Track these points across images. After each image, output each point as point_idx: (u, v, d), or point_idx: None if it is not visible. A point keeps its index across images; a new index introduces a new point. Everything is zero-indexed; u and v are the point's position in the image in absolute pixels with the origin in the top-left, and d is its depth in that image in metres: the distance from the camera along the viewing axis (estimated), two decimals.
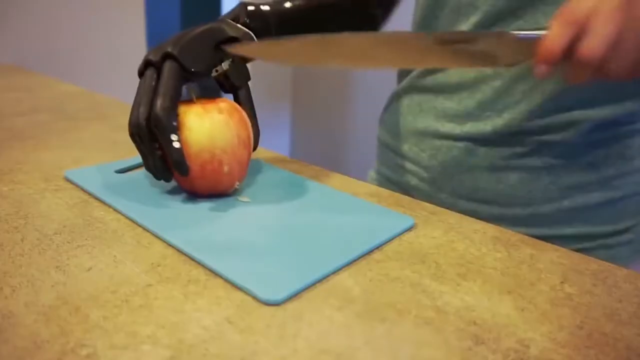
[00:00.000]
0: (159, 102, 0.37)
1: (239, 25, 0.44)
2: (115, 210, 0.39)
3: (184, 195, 0.41)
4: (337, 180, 0.50)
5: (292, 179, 0.48)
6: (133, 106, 0.39)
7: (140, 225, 0.37)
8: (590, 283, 0.32)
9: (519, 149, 0.49)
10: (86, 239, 0.34)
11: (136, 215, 0.37)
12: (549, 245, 0.38)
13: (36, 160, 0.50)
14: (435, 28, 0.53)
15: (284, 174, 0.49)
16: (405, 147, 0.57)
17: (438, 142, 0.53)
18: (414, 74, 0.57)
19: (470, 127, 0.50)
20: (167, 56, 0.39)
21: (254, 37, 0.44)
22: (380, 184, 0.64)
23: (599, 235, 0.51)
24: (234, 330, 0.25)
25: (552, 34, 0.34)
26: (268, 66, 2.09)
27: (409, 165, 0.58)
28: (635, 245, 0.53)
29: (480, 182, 0.51)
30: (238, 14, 0.46)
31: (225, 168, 0.39)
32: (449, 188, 0.53)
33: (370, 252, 0.35)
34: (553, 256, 0.36)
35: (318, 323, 0.27)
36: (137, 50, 1.50)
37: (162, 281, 0.30)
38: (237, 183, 0.41)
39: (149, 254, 0.33)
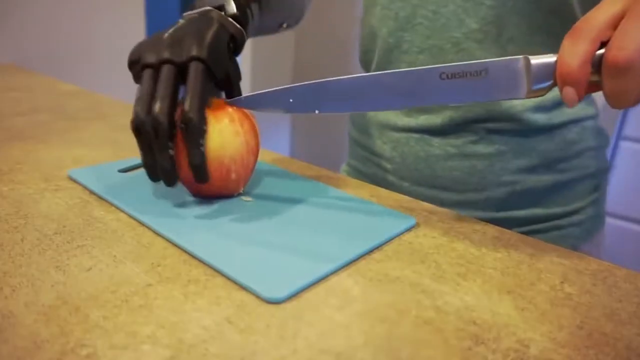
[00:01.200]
0: (193, 103, 0.36)
1: (230, 20, 0.43)
2: (118, 209, 0.39)
3: (187, 194, 0.42)
4: (338, 180, 0.50)
5: (293, 179, 0.48)
6: (142, 98, 0.37)
7: (143, 224, 0.37)
8: (590, 283, 0.32)
9: (470, 138, 0.52)
10: (86, 239, 0.34)
11: (139, 214, 0.37)
12: (549, 245, 0.38)
13: (36, 160, 0.50)
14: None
15: (284, 174, 0.49)
16: (371, 142, 0.61)
17: (397, 135, 0.56)
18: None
19: (423, 120, 0.54)
20: (193, 59, 0.38)
21: (244, 33, 0.44)
22: (351, 176, 0.68)
23: (551, 217, 0.54)
24: (234, 330, 0.25)
25: (564, 51, 0.30)
26: (268, 66, 2.09)
27: (374, 158, 0.61)
28: (585, 226, 0.56)
29: (437, 170, 0.54)
30: (223, 3, 0.43)
31: (233, 175, 0.39)
32: (410, 177, 0.56)
33: (371, 251, 0.35)
34: (553, 256, 0.36)
35: (318, 323, 0.27)
36: None
37: (162, 281, 0.30)
38: (242, 187, 0.42)
39: (149, 254, 0.33)
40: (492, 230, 0.40)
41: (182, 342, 0.24)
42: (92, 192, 0.42)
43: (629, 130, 1.48)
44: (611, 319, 0.29)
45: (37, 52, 1.41)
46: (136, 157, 0.51)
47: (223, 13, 0.43)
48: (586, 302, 0.30)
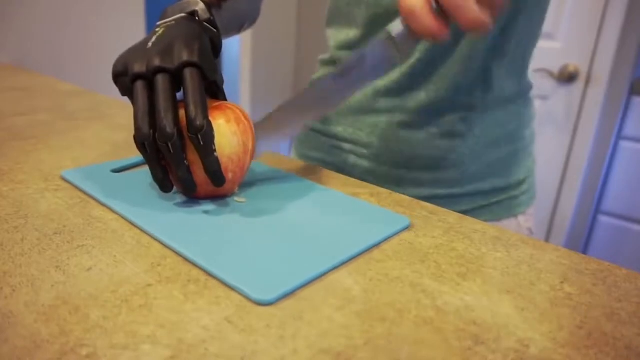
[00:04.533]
0: (198, 110, 0.35)
1: (206, 24, 0.42)
2: (112, 210, 0.39)
3: (179, 195, 0.41)
4: (337, 180, 0.50)
5: (290, 178, 0.48)
6: (141, 112, 0.36)
7: (136, 226, 0.37)
8: (590, 283, 0.32)
9: (447, 117, 0.55)
10: (86, 239, 0.34)
11: (132, 215, 0.37)
12: (549, 245, 0.38)
13: (36, 160, 0.50)
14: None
15: (281, 173, 0.49)
16: (340, 129, 0.61)
17: (375, 119, 0.57)
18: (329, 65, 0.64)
19: (401, 102, 0.55)
20: (187, 64, 0.37)
21: (220, 35, 0.44)
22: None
23: (508, 187, 0.59)
24: (234, 330, 0.25)
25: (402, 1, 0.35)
26: (269, 66, 2.09)
27: (346, 146, 0.61)
28: (530, 194, 0.62)
29: (419, 150, 0.56)
30: (196, 8, 0.43)
31: (230, 175, 0.39)
32: (390, 161, 0.57)
33: (369, 251, 0.35)
34: (553, 256, 0.36)
35: (318, 323, 0.27)
36: None
37: (162, 281, 0.30)
38: (236, 188, 0.42)
39: (149, 254, 0.33)
40: (492, 230, 0.40)
41: (182, 342, 0.24)
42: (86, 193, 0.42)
43: (628, 130, 1.48)
44: (611, 319, 0.29)
45: (37, 52, 1.42)
46: (131, 157, 0.51)
47: (197, 18, 0.42)
48: (586, 302, 0.30)
